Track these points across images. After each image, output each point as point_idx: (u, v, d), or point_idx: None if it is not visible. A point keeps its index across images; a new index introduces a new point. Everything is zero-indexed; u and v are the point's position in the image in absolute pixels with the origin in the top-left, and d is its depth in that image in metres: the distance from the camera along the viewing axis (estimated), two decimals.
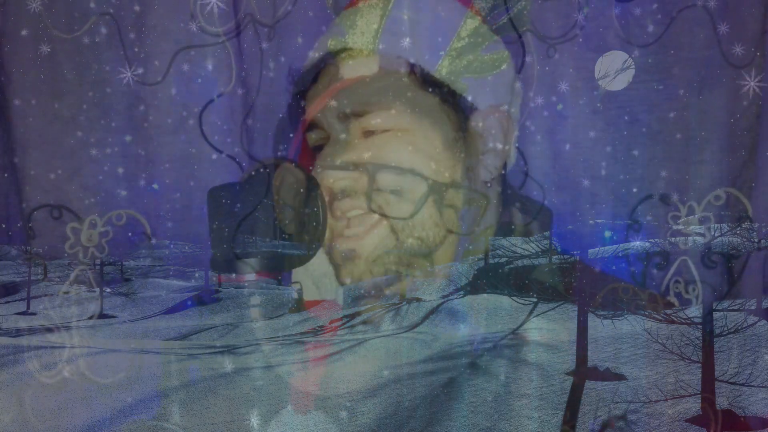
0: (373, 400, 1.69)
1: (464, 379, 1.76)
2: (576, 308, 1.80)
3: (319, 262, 2.29)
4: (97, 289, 2.10)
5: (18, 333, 2.04)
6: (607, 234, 2.11)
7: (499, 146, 2.28)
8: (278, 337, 2.10)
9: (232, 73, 2.24)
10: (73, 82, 2.31)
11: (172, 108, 2.30)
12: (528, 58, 2.27)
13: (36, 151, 2.33)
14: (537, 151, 2.33)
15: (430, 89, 2.22)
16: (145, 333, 2.12)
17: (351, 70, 2.24)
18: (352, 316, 2.18)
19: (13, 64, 2.28)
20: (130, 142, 2.31)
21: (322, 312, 2.23)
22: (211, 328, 2.17)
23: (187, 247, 2.31)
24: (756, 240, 1.89)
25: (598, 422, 1.58)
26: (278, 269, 2.30)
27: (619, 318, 1.85)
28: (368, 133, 2.23)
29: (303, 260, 2.25)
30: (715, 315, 1.62)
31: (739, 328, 1.66)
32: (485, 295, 2.14)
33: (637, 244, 2.01)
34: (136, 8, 2.28)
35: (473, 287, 2.17)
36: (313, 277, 2.30)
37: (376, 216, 2.21)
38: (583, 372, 1.73)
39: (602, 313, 1.85)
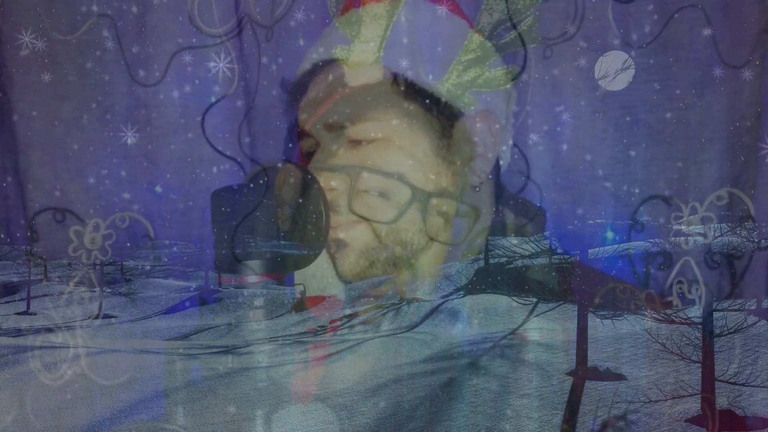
0: (373, 400, 1.69)
1: (464, 379, 1.76)
2: (576, 308, 1.80)
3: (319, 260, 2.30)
4: (98, 289, 2.10)
5: (18, 333, 2.04)
6: (609, 235, 2.11)
7: (488, 150, 2.29)
8: (278, 337, 2.10)
9: (234, 74, 2.24)
10: (75, 84, 2.31)
11: (174, 110, 2.31)
12: (527, 63, 2.27)
13: (38, 153, 2.34)
14: (537, 152, 2.32)
15: (413, 98, 2.23)
16: (146, 333, 2.12)
17: (354, 77, 2.25)
18: (352, 316, 2.18)
19: (13, 66, 2.29)
20: (132, 144, 2.32)
21: (322, 312, 2.23)
22: (212, 328, 2.17)
23: (188, 248, 2.31)
24: (757, 240, 1.89)
25: (598, 422, 1.58)
26: (281, 271, 2.30)
27: (619, 318, 1.85)
28: (354, 143, 2.25)
29: (307, 261, 2.25)
30: (715, 315, 1.62)
31: (739, 328, 1.66)
32: (485, 295, 2.13)
33: (637, 243, 2.00)
34: (134, 10, 2.28)
35: (473, 287, 2.17)
36: (309, 273, 2.31)
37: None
38: (583, 372, 1.73)
39: (602, 313, 1.85)
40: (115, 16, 2.25)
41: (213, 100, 2.22)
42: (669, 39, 2.18)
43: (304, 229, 2.23)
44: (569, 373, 1.75)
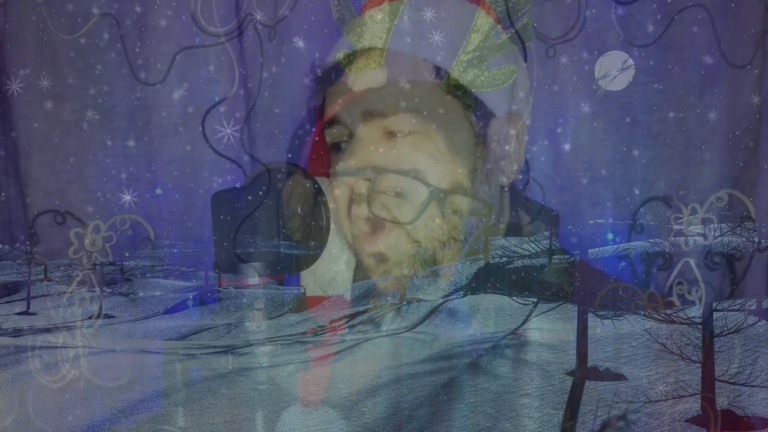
0: (373, 400, 1.69)
1: (464, 379, 1.76)
2: (576, 308, 1.80)
3: (327, 267, 2.30)
4: (98, 290, 2.10)
5: (18, 333, 2.04)
6: (610, 237, 2.11)
7: (515, 152, 2.28)
8: (278, 337, 2.10)
9: (235, 74, 2.24)
10: (76, 86, 2.31)
11: (174, 110, 2.31)
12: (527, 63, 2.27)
13: (38, 155, 2.34)
14: (537, 153, 2.33)
15: (455, 94, 2.22)
16: (146, 333, 2.12)
17: (358, 82, 2.25)
18: (352, 316, 2.18)
19: (15, 66, 2.29)
20: (132, 146, 2.32)
21: (322, 312, 2.23)
22: (212, 328, 2.17)
23: (188, 248, 2.31)
24: (757, 240, 1.89)
25: (598, 422, 1.58)
26: (282, 272, 2.30)
27: (619, 318, 1.85)
28: (390, 135, 2.22)
29: (308, 262, 2.25)
30: (715, 315, 1.62)
31: (739, 328, 1.66)
32: (485, 295, 2.13)
33: (637, 243, 2.00)
34: (137, 9, 2.29)
35: (473, 287, 2.17)
36: (321, 281, 2.31)
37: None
38: (583, 372, 1.73)
39: (602, 313, 1.85)
40: (117, 16, 2.25)
41: (216, 102, 2.22)
42: (670, 40, 2.18)
43: (309, 231, 2.23)
44: (569, 373, 1.75)
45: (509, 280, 2.13)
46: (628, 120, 2.27)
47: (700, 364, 1.60)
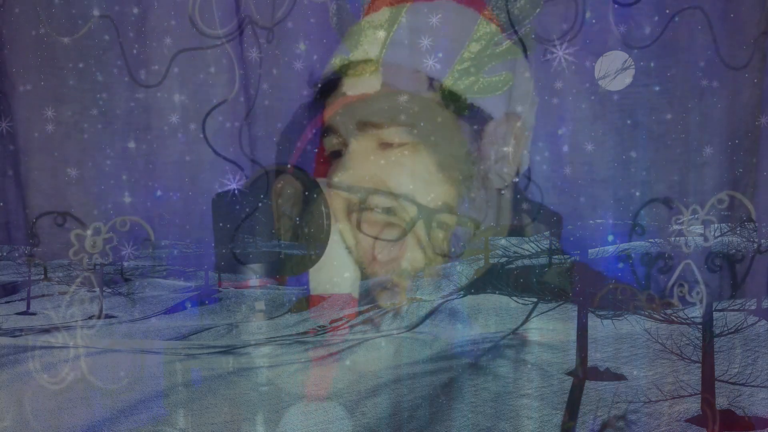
0: (374, 400, 1.69)
1: (464, 379, 1.76)
2: (576, 308, 1.80)
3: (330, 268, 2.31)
4: (98, 290, 2.10)
5: (18, 333, 2.05)
6: (610, 238, 2.11)
7: (512, 153, 2.28)
8: (278, 337, 2.10)
9: (235, 76, 2.25)
10: (75, 87, 2.32)
11: (174, 112, 2.31)
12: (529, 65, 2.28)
13: (38, 156, 2.34)
14: (537, 153, 2.33)
15: (447, 105, 2.22)
16: (146, 333, 2.12)
17: (353, 87, 2.25)
18: (353, 316, 2.18)
19: (14, 67, 2.30)
20: (132, 147, 2.32)
21: (322, 312, 2.23)
22: (212, 328, 2.17)
23: (188, 249, 2.31)
24: (758, 241, 1.89)
25: (598, 422, 1.58)
26: (282, 273, 2.30)
27: (619, 318, 1.84)
28: (385, 146, 2.23)
29: (309, 263, 2.25)
30: (715, 315, 1.62)
31: (739, 328, 1.65)
32: (485, 295, 2.13)
33: (637, 243, 2.00)
34: (135, 11, 2.29)
35: (473, 287, 2.17)
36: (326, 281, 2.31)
37: (403, 239, 2.22)
38: (583, 372, 1.73)
39: (602, 313, 1.85)
40: (116, 17, 2.26)
41: (216, 104, 2.23)
42: (669, 41, 2.18)
43: (302, 232, 2.23)
44: (569, 373, 1.75)
45: (509, 281, 2.13)
46: (628, 122, 2.28)
47: (700, 364, 1.60)
